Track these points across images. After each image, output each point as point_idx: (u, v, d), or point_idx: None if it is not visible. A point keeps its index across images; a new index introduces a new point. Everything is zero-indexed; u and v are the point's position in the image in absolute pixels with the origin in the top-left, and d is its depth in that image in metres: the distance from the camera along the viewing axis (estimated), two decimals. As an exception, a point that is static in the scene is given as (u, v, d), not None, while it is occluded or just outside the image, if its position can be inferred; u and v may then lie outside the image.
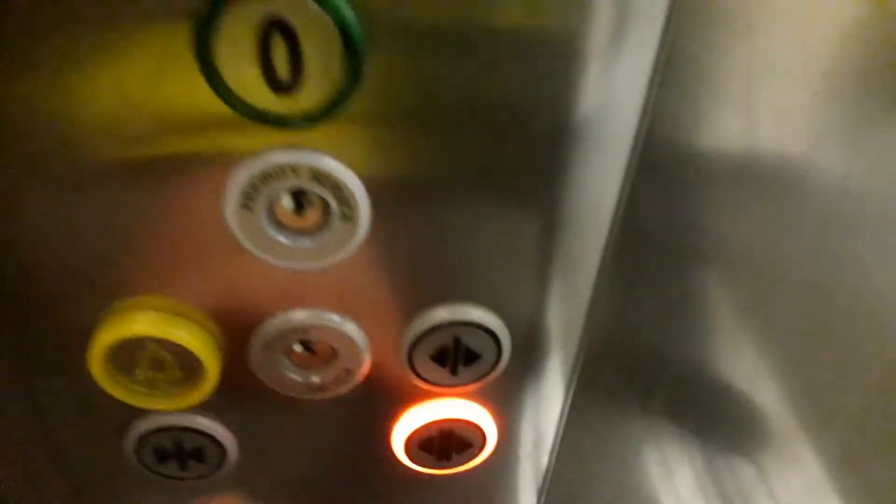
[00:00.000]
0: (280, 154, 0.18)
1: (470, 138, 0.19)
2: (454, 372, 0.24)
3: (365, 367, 0.23)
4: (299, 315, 0.22)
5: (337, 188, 0.18)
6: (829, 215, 0.25)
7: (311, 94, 0.16)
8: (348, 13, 0.15)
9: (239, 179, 0.18)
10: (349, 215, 0.19)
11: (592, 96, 0.19)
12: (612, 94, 0.20)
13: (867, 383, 0.31)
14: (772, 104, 0.21)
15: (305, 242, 0.20)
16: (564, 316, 0.26)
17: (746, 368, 0.30)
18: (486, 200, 0.21)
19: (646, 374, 0.30)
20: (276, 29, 0.15)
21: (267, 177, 0.18)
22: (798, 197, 0.24)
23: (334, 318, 0.22)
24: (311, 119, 0.16)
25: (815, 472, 0.34)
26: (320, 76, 0.16)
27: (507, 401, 0.27)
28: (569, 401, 0.30)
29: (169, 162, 0.18)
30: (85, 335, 0.21)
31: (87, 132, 0.17)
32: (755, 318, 0.28)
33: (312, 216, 0.19)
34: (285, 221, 0.19)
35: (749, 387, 0.31)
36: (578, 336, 0.27)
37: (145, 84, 0.16)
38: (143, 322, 0.21)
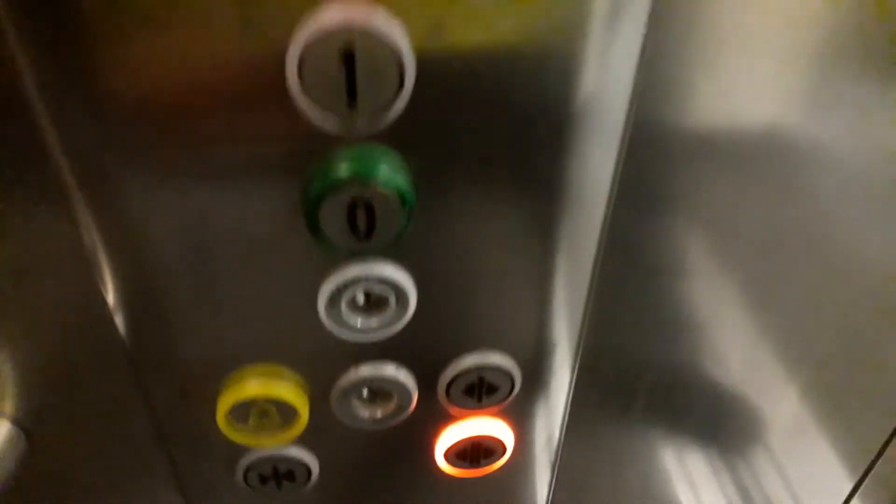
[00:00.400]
0: (355, 268, 0.25)
1: (485, 165, 0.24)
2: (480, 400, 0.32)
3: (414, 401, 0.31)
4: (365, 369, 0.30)
5: (395, 286, 0.26)
6: (814, 177, 0.27)
7: (381, 238, 0.24)
8: (406, 188, 0.23)
9: (328, 287, 0.26)
10: (403, 303, 0.27)
11: (586, 98, 0.23)
12: (602, 92, 0.23)
13: (839, 326, 0.34)
14: (754, 79, 0.24)
15: (372, 323, 0.27)
16: (563, 339, 0.33)
17: (723, 311, 0.33)
18: (497, 237, 0.27)
19: (632, 374, 0.36)
20: (360, 203, 0.22)
21: (347, 284, 0.26)
22: (781, 168, 0.26)
23: (391, 369, 0.30)
24: (381, 253, 0.24)
25: (796, 407, 0.39)
26: (387, 226, 0.23)
27: (521, 414, 0.35)
28: (568, 406, 0.37)
29: (276, 276, 0.26)
30: (209, 392, 0.29)
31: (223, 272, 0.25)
32: (735, 281, 0.31)
33: (377, 306, 0.27)
34: (358, 311, 0.27)
35: (726, 326, 0.34)
36: (574, 353, 0.34)
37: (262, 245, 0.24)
38: (255, 386, 0.29)
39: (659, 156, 0.26)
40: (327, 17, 0.18)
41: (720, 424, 0.40)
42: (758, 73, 0.24)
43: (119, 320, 0.27)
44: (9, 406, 0.30)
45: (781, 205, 0.28)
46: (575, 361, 0.34)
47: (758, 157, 0.26)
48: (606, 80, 0.23)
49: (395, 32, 0.19)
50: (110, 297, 0.26)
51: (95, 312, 0.27)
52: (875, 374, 0.37)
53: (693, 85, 0.24)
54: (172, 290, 0.26)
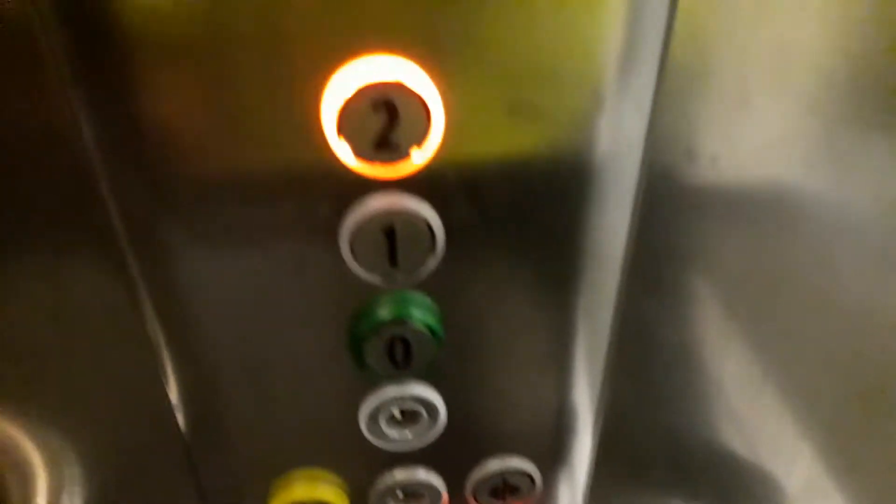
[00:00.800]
0: (392, 389, 0.29)
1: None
2: (504, 500, 0.35)
3: (444, 502, 0.34)
4: (399, 474, 0.33)
5: (427, 404, 0.30)
6: (823, 236, 0.27)
7: (415, 365, 0.28)
8: (437, 326, 0.27)
9: (368, 405, 0.29)
10: (434, 417, 0.30)
11: (598, 187, 0.25)
12: (616, 153, 0.25)
13: (854, 385, 0.34)
14: (763, 133, 0.23)
15: (407, 435, 0.31)
16: (580, 438, 0.36)
17: (739, 368, 0.32)
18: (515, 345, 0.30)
19: (650, 451, 0.36)
20: (398, 339, 0.26)
21: (385, 403, 0.29)
22: (792, 222, 0.26)
23: (422, 473, 0.33)
24: (418, 378, 0.28)
25: (811, 469, 0.39)
26: (420, 357, 0.27)
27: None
28: (587, 496, 0.40)
29: (323, 393, 0.30)
30: (259, 490, 0.33)
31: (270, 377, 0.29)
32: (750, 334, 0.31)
33: (411, 420, 0.31)
34: (395, 424, 0.31)
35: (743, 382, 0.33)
36: (592, 446, 0.37)
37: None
38: (302, 488, 0.32)
39: (668, 237, 0.26)
40: (373, 204, 0.23)
41: (739, 491, 0.40)
42: (771, 130, 0.23)
43: (180, 418, 0.31)
44: (78, 498, 0.34)
45: (796, 263, 0.27)
46: (593, 453, 0.37)
47: (770, 216, 0.26)
48: (615, 178, 0.25)
49: (427, 210, 0.24)
50: (173, 396, 0.30)
51: (159, 409, 0.30)
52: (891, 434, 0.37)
53: (706, 148, 0.23)
54: (231, 399, 0.30)
